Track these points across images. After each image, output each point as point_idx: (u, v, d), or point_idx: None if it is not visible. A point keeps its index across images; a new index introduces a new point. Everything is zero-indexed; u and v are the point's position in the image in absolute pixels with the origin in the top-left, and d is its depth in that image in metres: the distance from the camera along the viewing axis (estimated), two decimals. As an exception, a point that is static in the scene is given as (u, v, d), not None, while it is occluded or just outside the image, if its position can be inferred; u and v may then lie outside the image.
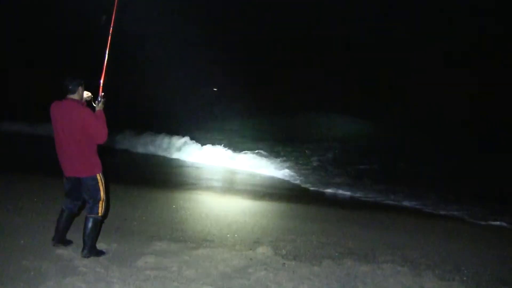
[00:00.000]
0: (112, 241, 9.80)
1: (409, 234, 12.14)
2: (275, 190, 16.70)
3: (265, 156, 21.78)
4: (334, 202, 15.66)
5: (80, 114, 8.47)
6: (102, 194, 8.88)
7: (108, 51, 9.01)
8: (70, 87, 8.58)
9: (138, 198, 14.05)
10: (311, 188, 17.44)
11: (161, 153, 22.66)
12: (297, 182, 18.43)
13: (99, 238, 9.85)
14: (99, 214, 8.95)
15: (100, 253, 9.08)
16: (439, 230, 12.75)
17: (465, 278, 9.22)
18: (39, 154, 15.31)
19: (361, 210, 14.59)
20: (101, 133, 8.54)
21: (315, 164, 21.51)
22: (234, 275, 8.54)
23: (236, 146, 23.30)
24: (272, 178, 19.03)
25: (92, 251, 8.94)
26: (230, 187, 16.68)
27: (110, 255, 9.14)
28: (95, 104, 8.84)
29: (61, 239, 9.24)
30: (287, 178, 18.92)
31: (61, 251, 8.97)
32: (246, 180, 18.25)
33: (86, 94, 8.99)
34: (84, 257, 8.83)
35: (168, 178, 17.61)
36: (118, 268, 8.51)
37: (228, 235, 11.00)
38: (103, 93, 8.88)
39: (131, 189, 15.07)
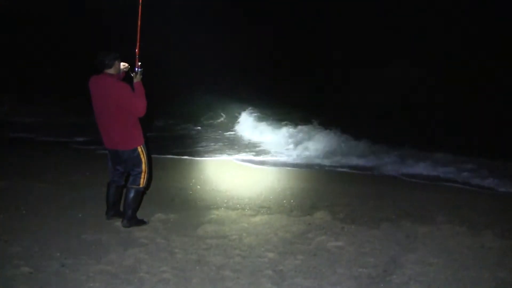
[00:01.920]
0: (169, 211, 9.84)
1: (462, 194, 12.04)
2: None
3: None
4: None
5: (116, 89, 8.42)
6: (144, 166, 8.87)
7: (140, 20, 8.85)
8: (106, 62, 8.51)
9: (190, 167, 14.09)
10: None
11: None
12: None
13: (156, 208, 9.96)
14: (141, 186, 8.96)
15: (141, 222, 9.13)
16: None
17: (525, 236, 9.12)
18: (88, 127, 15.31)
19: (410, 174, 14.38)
20: (139, 107, 8.46)
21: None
22: (294, 241, 8.53)
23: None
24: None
25: (132, 221, 9.00)
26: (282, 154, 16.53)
27: (169, 225, 9.19)
28: (132, 75, 8.73)
29: (115, 212, 9.30)
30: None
31: (119, 223, 9.01)
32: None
33: (123, 65, 8.95)
34: (124, 226, 8.92)
35: (219, 146, 17.53)
36: (178, 237, 8.55)
37: (284, 201, 11.00)
38: (140, 63, 8.73)
39: (183, 158, 15.15)
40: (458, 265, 7.68)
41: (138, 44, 8.78)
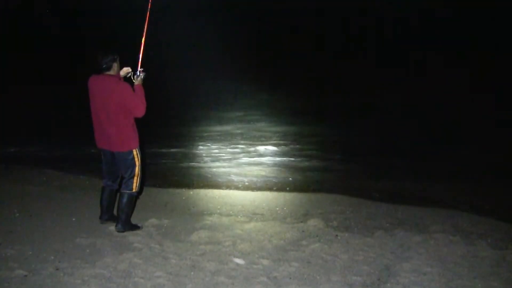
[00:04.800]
0: (162, 217, 9.85)
1: (455, 204, 12.06)
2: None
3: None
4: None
5: (117, 88, 8.44)
6: (137, 169, 8.87)
7: (147, 26, 8.94)
8: (104, 66, 8.55)
9: (183, 172, 14.09)
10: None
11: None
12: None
13: (149, 213, 9.99)
14: (134, 190, 8.96)
15: (135, 227, 9.14)
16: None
17: (518, 247, 9.17)
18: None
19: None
20: (139, 107, 8.50)
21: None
22: (288, 248, 8.54)
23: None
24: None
25: (126, 225, 9.00)
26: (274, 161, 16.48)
27: (163, 231, 9.20)
28: (133, 79, 8.80)
29: (109, 217, 9.31)
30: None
31: (113, 227, 9.01)
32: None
33: (126, 70, 8.97)
34: (118, 231, 8.93)
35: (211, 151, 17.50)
36: (172, 243, 8.55)
37: (277, 208, 11.01)
38: (142, 68, 8.83)
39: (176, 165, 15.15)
40: (452, 274, 7.71)
41: (142, 48, 8.84)
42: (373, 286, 7.31)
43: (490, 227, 10.28)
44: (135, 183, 8.92)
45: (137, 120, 8.71)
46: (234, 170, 14.59)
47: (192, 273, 7.47)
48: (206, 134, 19.31)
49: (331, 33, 34.36)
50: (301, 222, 9.98)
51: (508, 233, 9.92)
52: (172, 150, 16.75)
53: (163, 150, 16.52)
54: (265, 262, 7.91)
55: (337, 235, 9.18)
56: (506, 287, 7.48)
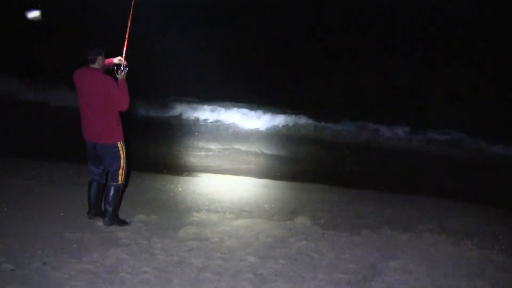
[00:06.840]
0: (150, 213, 9.87)
1: (443, 203, 12.09)
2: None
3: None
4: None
5: (101, 82, 8.52)
6: (122, 162, 8.95)
7: (130, 22, 8.99)
8: (89, 57, 8.62)
9: (173, 168, 14.08)
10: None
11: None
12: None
13: (138, 209, 9.99)
14: (120, 182, 9.03)
15: (123, 222, 9.19)
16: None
17: (503, 247, 9.22)
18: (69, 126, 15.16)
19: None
20: (122, 100, 8.61)
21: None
22: (275, 245, 8.58)
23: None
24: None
25: (113, 219, 9.06)
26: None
27: (151, 226, 9.22)
28: (117, 74, 8.87)
29: (97, 212, 9.30)
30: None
31: (101, 223, 9.02)
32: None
33: (118, 59, 9.03)
34: (105, 224, 8.98)
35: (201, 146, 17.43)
36: (160, 239, 8.58)
37: (265, 206, 11.04)
38: (125, 63, 8.94)
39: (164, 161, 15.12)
40: (437, 273, 7.77)
41: (126, 43, 8.92)
42: (358, 284, 7.37)
43: (477, 227, 10.33)
44: (121, 176, 9.01)
45: (123, 114, 8.81)
46: (224, 166, 14.60)
47: (178, 269, 7.51)
48: (195, 129, 19.33)
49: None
50: (289, 219, 10.03)
51: (494, 233, 9.99)
52: (160, 146, 16.74)
53: (151, 146, 16.51)
54: (252, 259, 7.96)
55: (324, 233, 9.21)
56: (491, 287, 7.54)
